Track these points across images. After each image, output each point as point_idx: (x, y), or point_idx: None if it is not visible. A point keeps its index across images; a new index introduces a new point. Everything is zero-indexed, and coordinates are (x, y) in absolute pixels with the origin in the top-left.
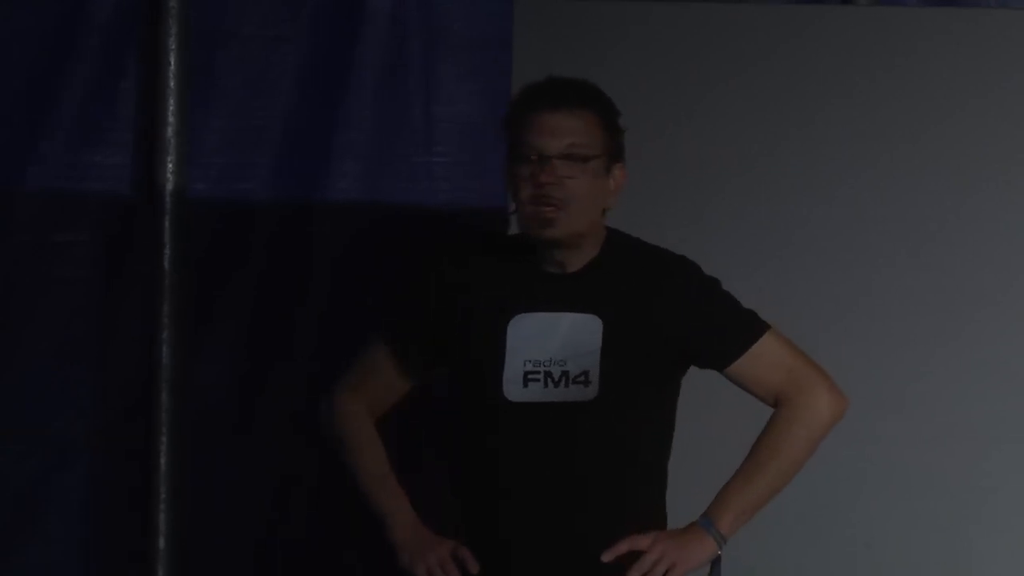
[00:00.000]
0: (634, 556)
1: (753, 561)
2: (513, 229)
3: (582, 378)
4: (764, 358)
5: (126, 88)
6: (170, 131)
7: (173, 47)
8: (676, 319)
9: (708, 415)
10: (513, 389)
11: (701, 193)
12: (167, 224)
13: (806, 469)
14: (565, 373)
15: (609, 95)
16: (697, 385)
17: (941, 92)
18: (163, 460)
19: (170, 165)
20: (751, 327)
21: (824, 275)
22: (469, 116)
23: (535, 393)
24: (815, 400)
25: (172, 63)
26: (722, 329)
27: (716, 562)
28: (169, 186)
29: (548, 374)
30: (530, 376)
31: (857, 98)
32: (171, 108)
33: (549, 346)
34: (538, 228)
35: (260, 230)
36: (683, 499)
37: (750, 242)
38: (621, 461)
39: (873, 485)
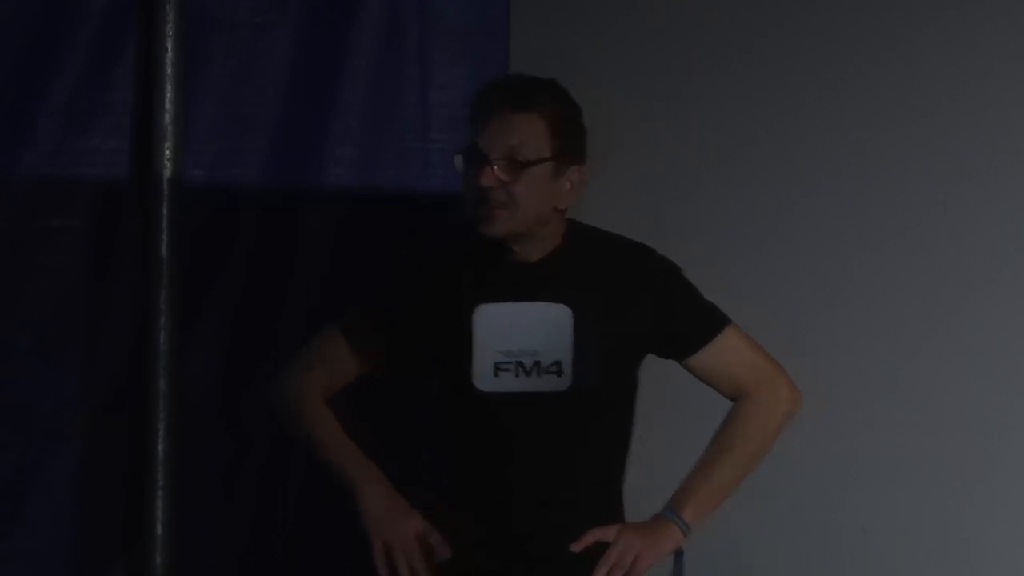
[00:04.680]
0: (600, 547)
1: (750, 548)
2: None
3: (554, 368)
4: (725, 351)
5: (122, 74)
6: (167, 117)
7: (171, 33)
8: (641, 308)
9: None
10: (484, 379)
11: (697, 178)
12: (165, 210)
13: (802, 455)
14: (536, 363)
15: (601, 83)
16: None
17: (928, 79)
18: (160, 447)
19: (167, 151)
20: (713, 319)
21: (816, 262)
22: (465, 102)
23: (507, 383)
24: (775, 394)
25: (169, 49)
26: (685, 320)
27: (679, 555)
28: (167, 172)
29: (519, 364)
30: (501, 366)
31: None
32: (168, 95)
33: (519, 336)
34: (477, 224)
35: (255, 216)
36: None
37: (744, 229)
38: (593, 450)
39: (869, 471)
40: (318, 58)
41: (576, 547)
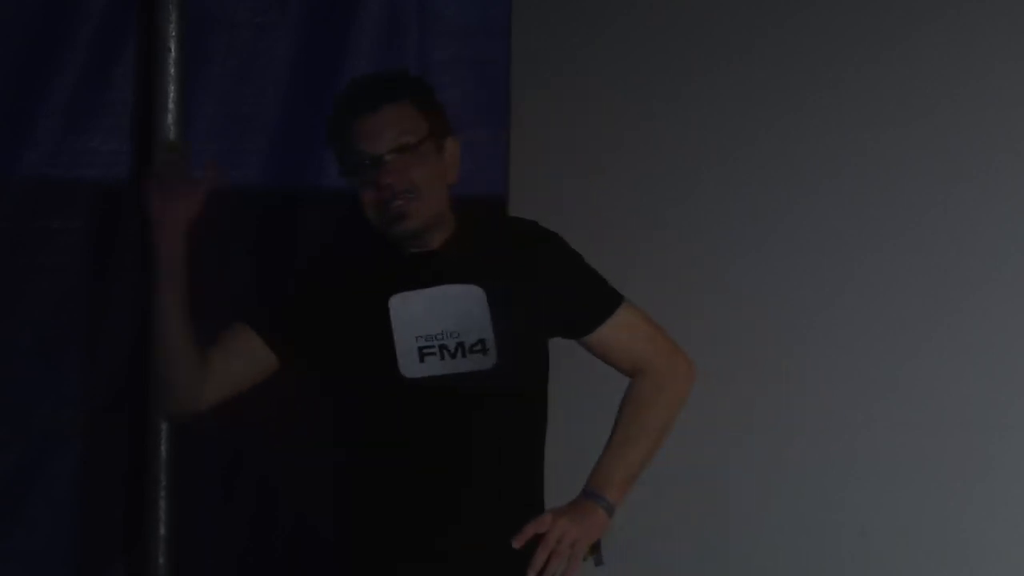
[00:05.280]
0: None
1: (750, 548)
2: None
3: (479, 347)
4: (625, 327)
5: (123, 74)
6: (170, 118)
7: (173, 34)
8: (542, 284)
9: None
10: (409, 366)
11: (697, 178)
12: None
13: (801, 456)
14: (460, 344)
15: (603, 83)
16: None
17: (928, 79)
18: (163, 447)
19: None
20: (610, 296)
21: (816, 262)
22: (465, 103)
23: (432, 367)
24: (678, 366)
25: (172, 50)
26: (582, 295)
27: (597, 545)
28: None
29: (443, 347)
30: (425, 351)
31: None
32: (171, 95)
33: (438, 319)
34: (394, 224)
35: (255, 216)
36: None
37: (744, 229)
38: (519, 431)
39: (869, 471)
40: (318, 58)
41: (518, 542)
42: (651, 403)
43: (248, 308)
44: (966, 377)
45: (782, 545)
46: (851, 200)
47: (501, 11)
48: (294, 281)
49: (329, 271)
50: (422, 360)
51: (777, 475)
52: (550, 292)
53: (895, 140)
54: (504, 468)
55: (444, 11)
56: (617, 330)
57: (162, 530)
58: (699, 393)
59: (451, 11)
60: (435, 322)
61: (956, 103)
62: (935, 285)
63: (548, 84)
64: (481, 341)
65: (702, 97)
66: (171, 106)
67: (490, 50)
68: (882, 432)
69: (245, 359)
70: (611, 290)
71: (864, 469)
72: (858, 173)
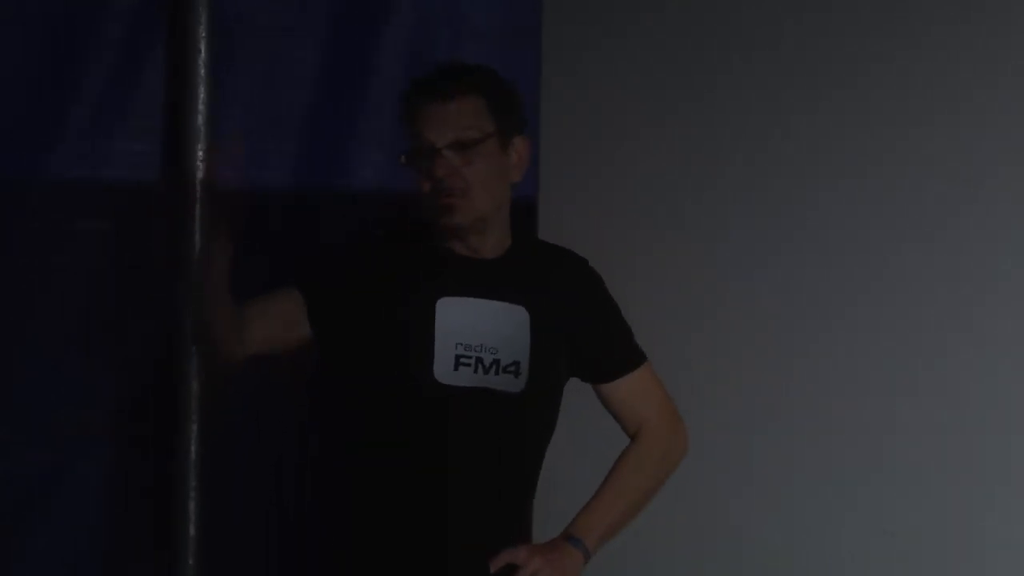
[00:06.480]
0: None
1: (775, 548)
2: (545, 221)
3: (512, 368)
4: (641, 384)
5: (152, 75)
6: (200, 119)
7: (204, 34)
8: (580, 324)
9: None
10: (443, 371)
11: (725, 177)
12: (198, 212)
13: (826, 457)
14: (496, 361)
15: (628, 79)
16: None
17: (946, 80)
18: (193, 448)
19: (200, 153)
20: (637, 352)
21: (840, 261)
22: None
23: (465, 377)
24: (678, 436)
25: (203, 50)
26: (614, 346)
27: None
28: (200, 174)
29: (479, 360)
30: (462, 360)
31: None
32: (202, 95)
33: (480, 332)
34: (439, 216)
35: (284, 219)
36: None
37: (762, 229)
38: (532, 456)
39: (895, 473)
40: (347, 60)
41: (494, 566)
42: (646, 467)
43: (304, 273)
44: (993, 376)
45: (809, 544)
46: (878, 199)
47: (531, 13)
48: (348, 264)
49: (380, 261)
50: (456, 368)
51: (801, 476)
52: (585, 333)
53: (912, 141)
54: (505, 492)
55: (475, 13)
56: (633, 386)
57: (192, 531)
58: (721, 393)
59: (482, 13)
60: (477, 334)
61: (960, 105)
62: (959, 286)
63: (578, 85)
64: (516, 363)
65: (735, 97)
66: (201, 107)
67: (522, 52)
68: (906, 433)
69: (285, 323)
70: (634, 344)
71: (889, 469)
72: (879, 173)
